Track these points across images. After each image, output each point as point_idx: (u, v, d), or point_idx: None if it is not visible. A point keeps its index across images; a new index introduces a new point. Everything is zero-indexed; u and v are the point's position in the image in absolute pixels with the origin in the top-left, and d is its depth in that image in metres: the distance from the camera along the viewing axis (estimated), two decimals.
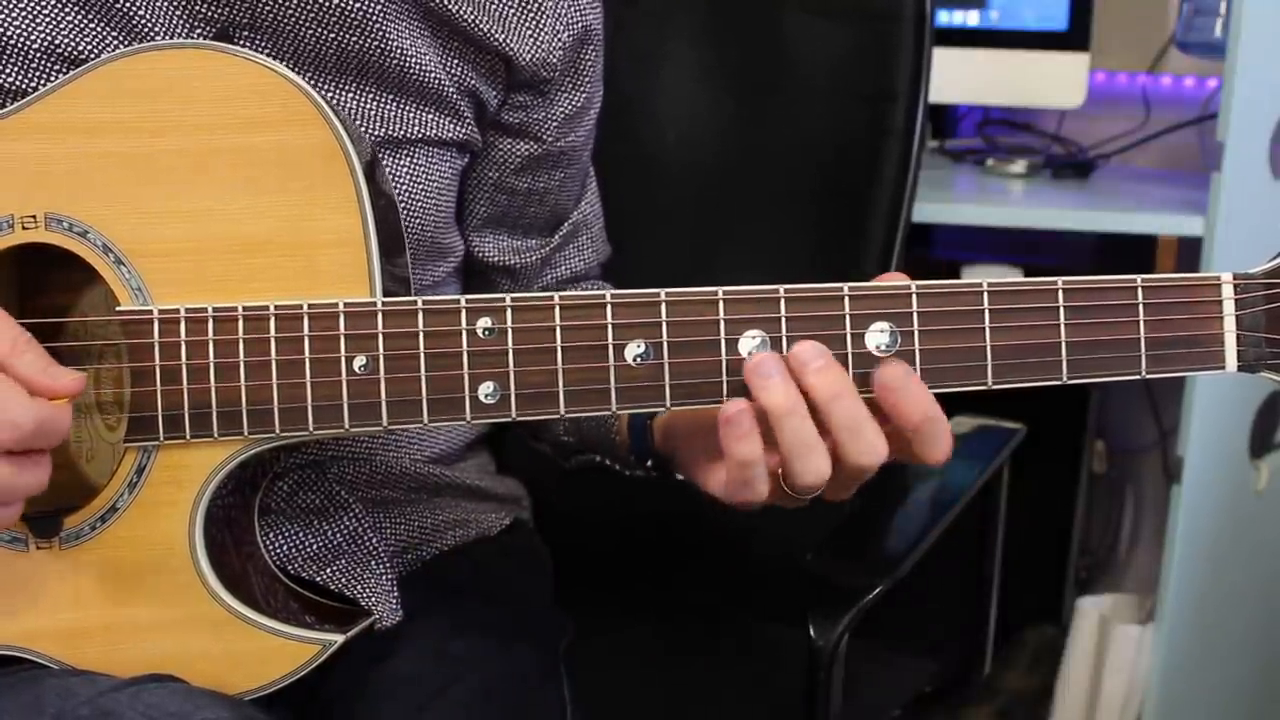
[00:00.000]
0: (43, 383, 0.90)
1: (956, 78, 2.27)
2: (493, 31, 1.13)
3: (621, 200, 1.38)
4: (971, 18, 2.29)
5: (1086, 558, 2.54)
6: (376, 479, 1.20)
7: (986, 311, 0.92)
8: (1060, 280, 0.92)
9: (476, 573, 1.25)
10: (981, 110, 2.48)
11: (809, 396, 0.90)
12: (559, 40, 1.16)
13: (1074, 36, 2.21)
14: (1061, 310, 0.92)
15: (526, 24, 1.14)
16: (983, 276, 2.14)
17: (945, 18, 2.29)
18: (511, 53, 1.14)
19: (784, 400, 0.90)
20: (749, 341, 0.92)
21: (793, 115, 1.63)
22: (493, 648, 1.17)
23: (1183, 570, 2.04)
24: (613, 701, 1.40)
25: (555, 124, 1.21)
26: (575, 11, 1.17)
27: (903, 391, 0.91)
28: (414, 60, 1.10)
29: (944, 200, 2.07)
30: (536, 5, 1.15)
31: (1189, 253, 1.99)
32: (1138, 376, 0.92)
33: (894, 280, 0.94)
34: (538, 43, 1.15)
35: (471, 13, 1.12)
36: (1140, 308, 0.91)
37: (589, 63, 1.21)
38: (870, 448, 0.92)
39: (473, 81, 1.15)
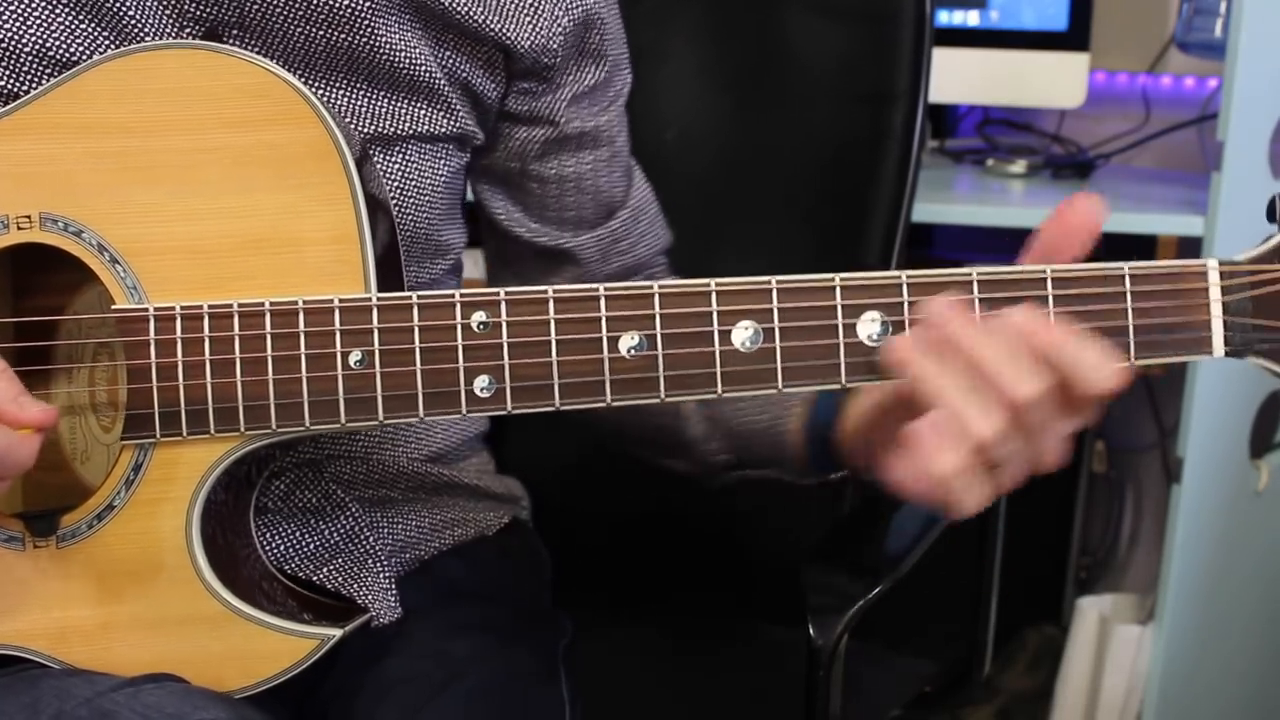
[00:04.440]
0: (9, 411, 0.89)
1: (956, 78, 2.27)
2: (489, 21, 1.12)
3: None
4: (971, 18, 2.29)
5: (1086, 558, 2.54)
6: (374, 478, 1.20)
7: (976, 300, 0.92)
8: (1049, 268, 0.92)
9: (475, 572, 1.25)
10: (981, 110, 2.48)
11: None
12: (558, 26, 1.15)
13: (1074, 36, 2.21)
14: (1050, 299, 0.92)
15: (524, 11, 1.14)
16: None
17: (945, 18, 2.29)
18: (509, 41, 1.13)
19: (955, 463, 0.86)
20: (742, 332, 0.92)
21: (792, 115, 1.63)
22: (492, 647, 1.17)
23: (1183, 570, 2.03)
24: (612, 701, 1.40)
25: (565, 104, 1.20)
26: None
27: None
28: (404, 55, 1.10)
29: (944, 200, 2.07)
30: None
31: (1189, 253, 1.99)
32: (1126, 363, 0.92)
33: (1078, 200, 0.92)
34: (536, 29, 1.14)
35: (465, 4, 1.11)
36: (1128, 295, 0.91)
37: (594, 45, 1.20)
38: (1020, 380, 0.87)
39: (467, 74, 1.15)
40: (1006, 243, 2.39)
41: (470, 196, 1.29)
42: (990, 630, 1.70)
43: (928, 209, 1.98)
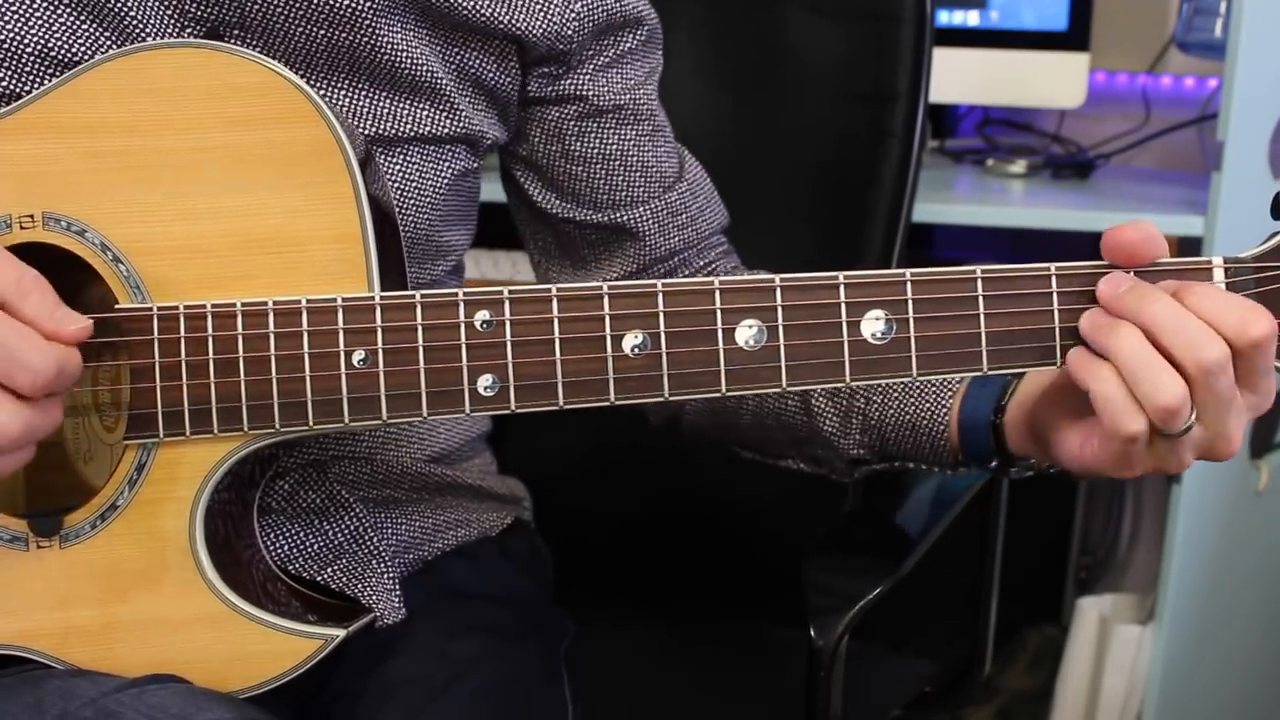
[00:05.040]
0: (48, 328, 0.89)
1: (956, 78, 2.27)
2: (497, 15, 1.12)
3: None
4: (971, 18, 2.29)
5: (1086, 558, 2.54)
6: (378, 478, 1.20)
7: (980, 298, 0.92)
8: (1053, 266, 0.92)
9: (478, 573, 1.25)
10: (981, 110, 2.48)
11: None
12: (571, 11, 1.15)
13: (1074, 36, 2.21)
14: (1055, 296, 0.92)
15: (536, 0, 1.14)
16: None
17: (945, 18, 2.29)
18: (520, 32, 1.13)
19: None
20: (745, 331, 0.92)
21: (793, 115, 1.63)
22: (494, 648, 1.17)
23: (1183, 570, 2.03)
24: (613, 702, 1.40)
25: (589, 77, 1.19)
26: None
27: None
28: (405, 56, 1.10)
29: (944, 200, 2.07)
30: None
31: (1189, 253, 1.99)
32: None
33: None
34: (548, 17, 1.14)
35: (471, 1, 1.11)
36: None
37: (624, 22, 1.19)
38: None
39: (478, 70, 1.14)
40: (1007, 243, 2.40)
41: (505, 197, 1.29)
42: (990, 630, 1.70)
43: (928, 209, 1.98)
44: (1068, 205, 2.09)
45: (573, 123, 1.21)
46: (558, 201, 1.24)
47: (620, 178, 1.23)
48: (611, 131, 1.22)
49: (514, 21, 1.13)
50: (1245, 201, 1.89)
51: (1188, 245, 1.97)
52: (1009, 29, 2.26)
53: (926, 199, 1.94)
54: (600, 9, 1.17)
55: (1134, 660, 2.14)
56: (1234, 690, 2.25)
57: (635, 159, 1.24)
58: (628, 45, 1.21)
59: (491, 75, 1.15)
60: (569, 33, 1.15)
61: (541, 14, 1.14)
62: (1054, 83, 2.23)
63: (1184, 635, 2.09)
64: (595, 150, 1.22)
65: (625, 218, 1.24)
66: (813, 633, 1.15)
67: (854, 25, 1.58)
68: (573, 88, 1.19)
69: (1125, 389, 0.89)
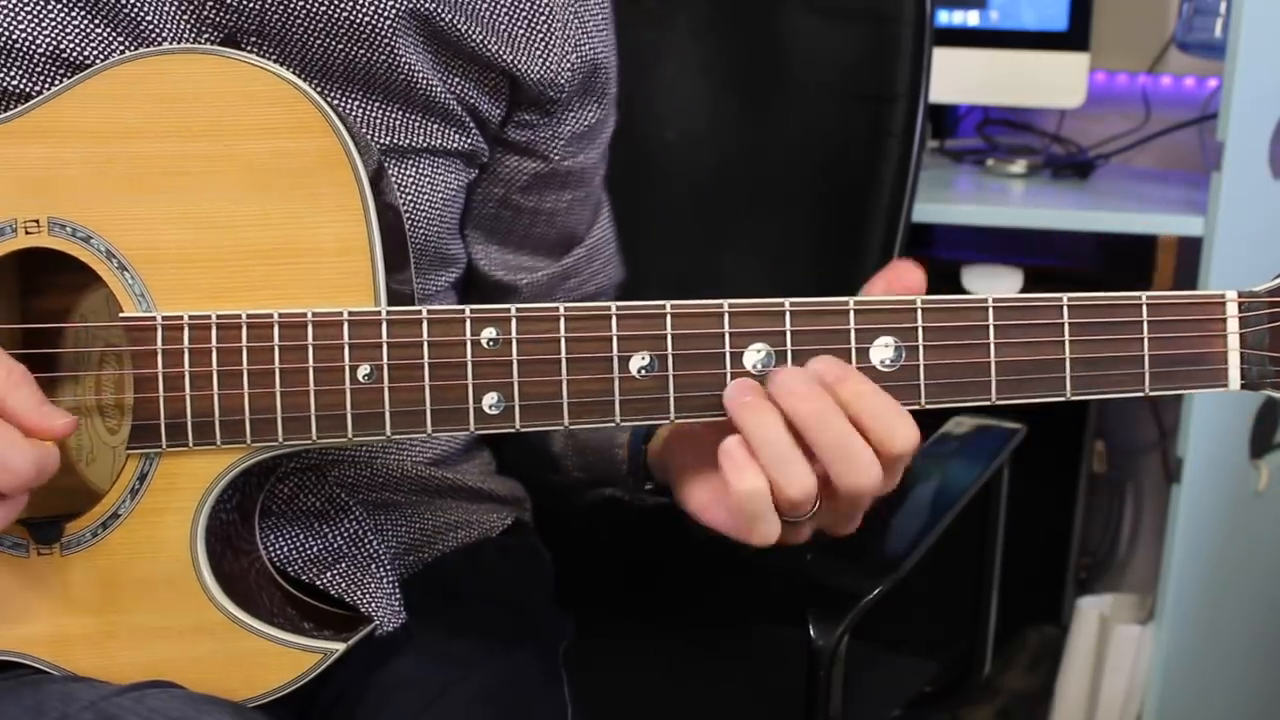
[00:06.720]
0: (34, 422, 0.89)
1: (956, 78, 2.27)
2: (500, 51, 1.12)
3: (620, 199, 1.38)
4: (971, 18, 2.29)
5: (1086, 558, 2.54)
6: (377, 482, 1.20)
7: (991, 327, 0.92)
8: (1065, 296, 0.91)
9: (477, 574, 1.25)
10: (981, 110, 2.48)
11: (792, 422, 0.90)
12: (567, 61, 1.16)
13: (1074, 36, 2.21)
14: (1066, 327, 0.92)
15: (535, 44, 1.14)
16: (982, 276, 2.13)
17: (945, 18, 2.29)
18: (518, 71, 1.14)
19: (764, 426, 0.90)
20: (754, 354, 0.92)
21: (793, 115, 1.63)
22: (494, 649, 1.17)
23: (1183, 570, 2.04)
24: (613, 702, 1.40)
25: (562, 142, 1.21)
26: (584, 37, 1.17)
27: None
28: (420, 75, 1.10)
29: (944, 200, 2.07)
30: (546, 26, 1.14)
31: (1189, 253, 1.99)
32: (1141, 394, 0.92)
33: (904, 267, 0.94)
34: (546, 63, 1.15)
35: (479, 32, 1.11)
36: (1144, 325, 0.91)
37: (599, 85, 1.21)
38: (862, 469, 0.90)
39: (473, 98, 1.15)
40: (1007, 243, 2.41)
41: None
42: (990, 630, 1.70)
43: (928, 209, 1.98)
44: (1068, 205, 2.09)
45: (527, 178, 1.22)
46: (473, 241, 1.26)
47: (539, 230, 1.26)
48: (553, 192, 1.24)
49: (515, 60, 1.13)
50: (1245, 201, 1.90)
51: (1188, 245, 1.97)
52: (1009, 29, 2.26)
53: (926, 199, 1.94)
54: (589, 64, 1.18)
55: (1134, 660, 2.14)
56: (1234, 690, 2.26)
57: (560, 219, 1.26)
58: (594, 117, 1.22)
59: (484, 106, 1.16)
60: (562, 81, 1.16)
61: (541, 59, 1.15)
62: (1054, 83, 2.23)
63: (1184, 635, 2.10)
64: (531, 205, 1.24)
65: (524, 280, 1.27)
66: (813, 633, 1.15)
67: (854, 26, 1.58)
68: (544, 146, 1.21)
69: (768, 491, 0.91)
